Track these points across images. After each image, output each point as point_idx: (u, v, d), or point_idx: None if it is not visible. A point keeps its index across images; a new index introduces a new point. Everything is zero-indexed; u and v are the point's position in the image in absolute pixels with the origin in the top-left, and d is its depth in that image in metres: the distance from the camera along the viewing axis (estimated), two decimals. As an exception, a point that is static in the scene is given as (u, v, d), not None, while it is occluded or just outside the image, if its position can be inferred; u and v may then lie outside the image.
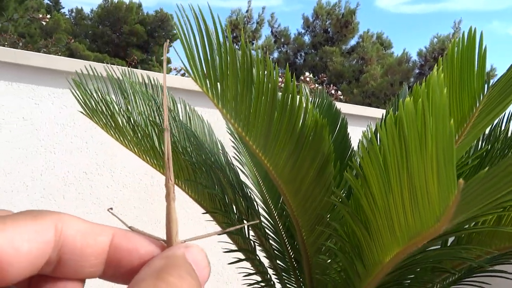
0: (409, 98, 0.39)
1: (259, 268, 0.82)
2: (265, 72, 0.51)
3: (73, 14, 16.30)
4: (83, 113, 0.69)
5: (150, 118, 0.70)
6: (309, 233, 0.68)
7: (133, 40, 15.54)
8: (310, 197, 0.63)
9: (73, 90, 0.67)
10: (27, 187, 1.52)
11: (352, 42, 13.35)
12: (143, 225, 1.74)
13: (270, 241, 0.87)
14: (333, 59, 12.35)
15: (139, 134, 0.69)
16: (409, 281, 0.67)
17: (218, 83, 0.52)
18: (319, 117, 0.55)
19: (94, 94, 0.67)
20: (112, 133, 0.71)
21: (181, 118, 0.86)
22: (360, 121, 2.28)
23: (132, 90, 0.72)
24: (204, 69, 0.51)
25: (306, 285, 0.78)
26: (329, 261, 0.68)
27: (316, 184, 0.61)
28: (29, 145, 1.50)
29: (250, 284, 0.78)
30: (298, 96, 0.53)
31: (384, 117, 0.80)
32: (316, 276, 0.69)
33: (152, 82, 0.83)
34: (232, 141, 1.08)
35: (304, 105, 0.53)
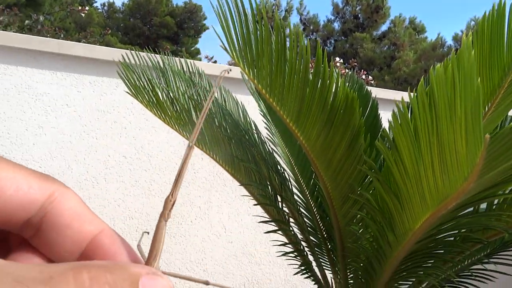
0: (440, 65, 0.41)
1: (292, 239, 0.85)
2: (298, 48, 0.54)
3: (105, 7, 16.65)
4: (129, 93, 0.75)
5: (188, 94, 0.74)
6: (340, 205, 0.71)
7: (163, 32, 15.75)
8: (341, 169, 0.65)
9: (121, 72, 0.73)
10: (71, 170, 1.62)
11: (384, 27, 13.02)
12: (179, 207, 1.82)
13: (303, 216, 0.91)
14: (364, 45, 12.10)
15: (177, 108, 0.74)
16: (440, 251, 0.68)
17: (254, 61, 0.56)
18: (349, 91, 0.58)
19: (140, 73, 0.72)
20: (155, 110, 0.77)
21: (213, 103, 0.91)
22: (391, 106, 2.26)
23: (171, 72, 0.77)
24: (242, 48, 0.55)
25: (338, 257, 0.81)
26: (360, 231, 0.71)
27: (347, 157, 0.63)
28: (73, 130, 1.59)
29: (285, 253, 0.82)
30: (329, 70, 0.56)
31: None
32: (348, 245, 0.72)
33: (190, 67, 0.88)
34: (265, 123, 1.12)
35: (335, 79, 0.56)
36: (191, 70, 0.87)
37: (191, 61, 1.02)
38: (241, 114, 0.95)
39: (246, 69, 0.56)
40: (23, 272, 0.15)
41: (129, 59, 0.77)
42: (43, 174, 0.20)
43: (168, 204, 0.21)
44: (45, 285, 0.15)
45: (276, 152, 1.00)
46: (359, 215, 0.69)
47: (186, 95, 0.74)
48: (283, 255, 0.84)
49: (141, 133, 1.70)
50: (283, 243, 0.86)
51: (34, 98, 1.51)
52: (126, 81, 0.74)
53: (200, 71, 0.88)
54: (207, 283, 0.23)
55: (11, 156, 1.52)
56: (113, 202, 1.71)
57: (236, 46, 0.56)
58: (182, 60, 0.90)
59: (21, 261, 0.20)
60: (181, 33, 16.52)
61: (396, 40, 12.29)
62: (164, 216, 0.22)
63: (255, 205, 0.88)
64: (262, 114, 1.12)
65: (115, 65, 1.62)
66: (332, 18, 13.63)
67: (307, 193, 1.01)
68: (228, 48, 0.56)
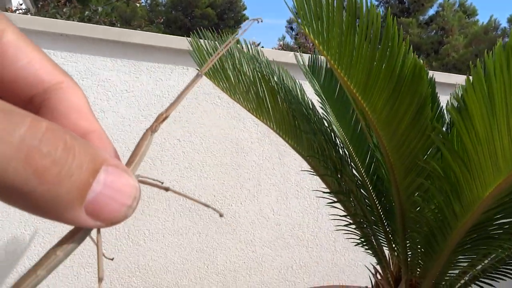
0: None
1: (351, 211, 0.87)
2: (368, 16, 0.56)
3: (148, 1, 17.08)
4: (198, 70, 0.79)
5: (256, 69, 0.77)
6: (403, 176, 0.72)
7: (204, 23, 15.96)
8: (406, 139, 0.66)
9: (193, 52, 0.77)
10: (130, 152, 1.71)
11: (431, 11, 12.47)
12: (229, 189, 1.87)
13: (361, 192, 0.92)
14: (410, 31, 11.67)
15: (245, 85, 0.77)
16: (509, 220, 0.67)
17: (325, 31, 0.58)
18: (417, 59, 0.58)
19: (209, 52, 0.76)
20: (224, 86, 0.80)
21: (275, 79, 0.94)
22: (443, 89, 2.19)
23: (237, 51, 0.80)
24: (312, 17, 0.57)
25: (397, 232, 0.82)
26: (424, 202, 0.71)
27: (413, 126, 0.64)
28: (131, 114, 1.68)
29: (347, 224, 0.84)
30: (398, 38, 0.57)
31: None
32: (411, 216, 0.73)
33: (250, 48, 0.91)
34: (320, 102, 1.13)
35: (403, 46, 0.57)
36: (251, 51, 0.90)
37: (250, 40, 1.05)
38: (299, 93, 0.97)
39: (316, 39, 0.58)
40: None
41: (197, 40, 0.81)
42: (59, 67, 0.20)
43: (160, 118, 0.22)
44: (1, 111, 0.14)
45: (332, 131, 1.02)
46: (422, 186, 0.69)
47: (251, 71, 0.77)
48: (346, 225, 0.86)
49: (194, 117, 1.76)
50: (346, 215, 0.88)
51: (96, 83, 1.61)
52: (197, 60, 0.78)
53: (259, 52, 0.91)
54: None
55: (77, 138, 1.63)
56: (168, 183, 1.79)
57: (307, 15, 0.58)
58: (242, 41, 0.93)
59: None
60: (221, 24, 16.67)
61: (445, 24, 11.75)
62: (152, 128, 0.22)
63: (320, 175, 0.89)
64: (317, 94, 1.14)
65: (171, 51, 1.68)
66: (376, 3, 13.22)
67: (362, 171, 1.02)
68: (298, 19, 0.58)
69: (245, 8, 15.13)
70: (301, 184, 1.98)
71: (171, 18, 15.40)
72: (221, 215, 0.24)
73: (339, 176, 0.83)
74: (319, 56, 1.24)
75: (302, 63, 1.23)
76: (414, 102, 0.62)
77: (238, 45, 0.87)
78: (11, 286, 0.19)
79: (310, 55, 1.27)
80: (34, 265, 0.18)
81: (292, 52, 1.31)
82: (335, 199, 0.87)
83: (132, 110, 1.68)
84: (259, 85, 0.77)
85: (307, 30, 0.57)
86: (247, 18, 15.74)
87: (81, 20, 3.14)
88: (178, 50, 1.69)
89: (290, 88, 0.92)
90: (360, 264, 2.13)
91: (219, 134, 1.81)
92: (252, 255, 1.98)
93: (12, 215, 1.63)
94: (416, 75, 0.59)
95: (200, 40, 0.80)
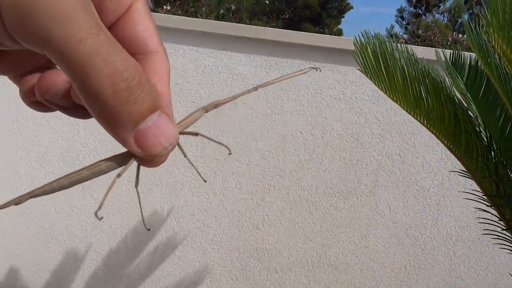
0: None
1: (504, 215, 0.84)
2: None
3: (253, -7, 17.48)
4: (361, 71, 0.83)
5: (410, 72, 0.79)
6: None
7: (306, 14, 15.88)
8: None
9: (357, 52, 0.81)
10: (256, 143, 1.83)
11: None
12: (346, 183, 1.89)
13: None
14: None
15: (407, 85, 0.79)
16: None
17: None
18: None
19: (374, 52, 0.79)
20: (384, 87, 0.83)
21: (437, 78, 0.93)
22: None
23: (397, 52, 0.82)
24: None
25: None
26: None
27: None
28: (259, 107, 1.79)
29: (504, 229, 0.82)
30: None
31: None
32: None
33: (404, 48, 0.92)
34: (465, 101, 1.10)
35: None
36: (407, 51, 0.91)
37: (406, 45, 1.06)
38: (449, 91, 0.95)
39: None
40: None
41: (360, 40, 0.85)
42: (160, 39, 0.23)
43: (214, 102, 0.25)
44: (110, 41, 0.18)
45: (484, 131, 0.98)
46: None
47: (414, 71, 0.78)
48: (506, 230, 0.83)
49: (316, 110, 1.82)
50: (497, 219, 0.86)
51: (230, 77, 1.75)
52: (360, 61, 0.82)
53: (411, 52, 0.91)
54: (256, 89, 0.27)
55: (211, 126, 1.80)
56: (288, 173, 1.88)
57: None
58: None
59: None
60: (324, 14, 16.42)
61: None
62: (205, 108, 0.25)
63: (478, 178, 0.88)
64: (462, 92, 1.10)
65: (299, 47, 1.75)
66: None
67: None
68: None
69: (350, -3, 14.68)
70: (421, 183, 1.92)
71: (275, 10, 15.62)
72: (229, 153, 0.28)
73: (496, 179, 0.81)
74: (462, 53, 1.20)
75: (443, 59, 1.20)
76: None
77: (393, 43, 0.88)
78: (62, 176, 0.24)
79: (452, 51, 1.23)
80: (81, 168, 0.24)
81: (433, 48, 1.28)
82: (488, 203, 0.85)
83: (261, 103, 1.79)
84: (420, 84, 0.78)
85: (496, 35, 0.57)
86: (352, 8, 15.25)
87: (216, 18, 3.41)
88: (307, 46, 1.75)
89: (445, 86, 0.91)
90: (481, 273, 2.00)
91: (340, 129, 1.84)
92: (365, 250, 1.98)
93: (154, 192, 1.86)
94: None
95: (362, 40, 0.84)
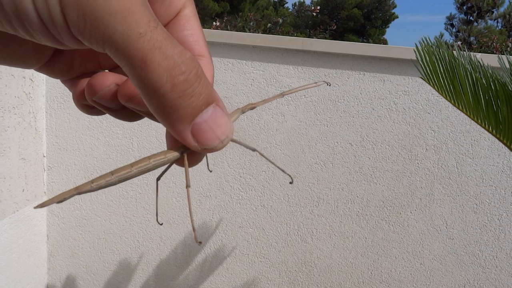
0: None
1: None
2: None
3: (296, 7, 17.66)
4: (423, 79, 0.80)
5: (491, 77, 0.75)
6: None
7: (350, 25, 15.73)
8: None
9: (419, 59, 0.79)
10: (305, 154, 1.81)
11: None
12: (399, 196, 1.82)
13: None
14: None
15: (470, 93, 0.75)
16: None
17: None
18: None
19: (437, 59, 0.77)
20: (446, 94, 0.80)
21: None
22: None
23: (462, 59, 0.79)
24: None
25: None
26: None
27: None
28: (307, 118, 1.78)
29: None
30: None
31: None
32: None
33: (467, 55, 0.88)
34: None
35: None
36: (470, 58, 0.87)
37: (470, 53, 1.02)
38: None
39: None
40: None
41: (422, 46, 0.83)
42: (206, 43, 0.25)
43: (249, 105, 0.26)
44: (169, 37, 0.18)
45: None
46: None
47: (481, 79, 0.74)
48: None
49: (367, 121, 1.77)
50: None
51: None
52: (422, 69, 0.79)
53: (474, 58, 0.87)
54: (282, 95, 0.28)
55: (259, 139, 1.80)
56: (337, 185, 1.84)
57: None
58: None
59: None
60: (368, 25, 16.20)
61: None
62: (242, 109, 0.26)
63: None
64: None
65: (347, 58, 1.72)
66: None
67: None
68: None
69: (395, 6, 14.39)
70: (481, 197, 1.81)
71: (317, 22, 15.62)
72: (291, 182, 0.35)
73: None
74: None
75: (507, 66, 1.13)
76: None
77: (460, 51, 0.84)
78: (113, 170, 0.23)
79: (516, 57, 1.16)
80: (129, 164, 0.23)
81: (495, 55, 1.21)
82: None
83: (309, 114, 1.77)
84: (489, 91, 0.74)
85: None
86: (397, 17, 14.95)
87: (264, 31, 3.48)
88: (354, 56, 1.72)
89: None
90: (552, 295, 1.84)
91: (392, 140, 1.78)
92: (420, 267, 1.89)
93: (203, 204, 1.88)
94: None
95: (425, 49, 0.81)
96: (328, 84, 0.31)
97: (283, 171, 0.31)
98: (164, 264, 1.98)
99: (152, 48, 0.18)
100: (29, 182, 1.81)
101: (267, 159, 0.29)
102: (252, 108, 0.27)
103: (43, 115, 1.88)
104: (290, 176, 0.30)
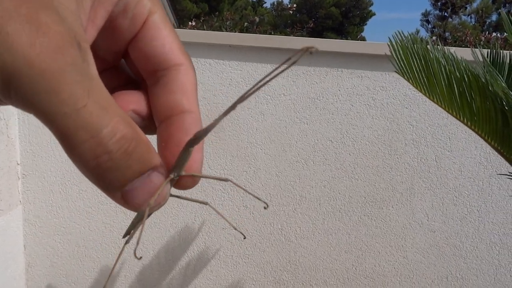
0: None
1: None
2: None
3: (274, 6, 17.68)
4: (398, 73, 0.80)
5: (464, 69, 0.75)
6: None
7: (328, 23, 15.85)
8: None
9: (393, 54, 0.79)
10: (286, 153, 1.80)
11: None
12: (380, 191, 1.83)
13: None
14: None
15: (443, 85, 0.75)
16: None
17: None
18: None
19: (410, 53, 0.76)
20: (421, 87, 0.80)
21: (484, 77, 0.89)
22: None
23: (436, 52, 0.79)
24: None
25: None
26: None
27: None
28: (287, 116, 1.77)
29: None
30: None
31: None
32: None
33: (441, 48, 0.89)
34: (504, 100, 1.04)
35: None
36: (445, 51, 0.87)
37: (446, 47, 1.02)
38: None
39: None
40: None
41: (396, 41, 0.82)
42: (184, 50, 0.23)
43: (199, 133, 0.21)
44: (101, 108, 0.18)
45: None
46: None
47: (458, 70, 0.74)
48: None
49: (346, 118, 1.78)
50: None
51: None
52: (397, 64, 0.79)
53: (448, 52, 0.88)
54: (266, 207, 0.26)
55: (239, 138, 1.78)
56: (319, 183, 1.84)
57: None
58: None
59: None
60: (346, 23, 16.37)
61: None
62: (190, 142, 0.21)
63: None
64: (504, 91, 1.05)
65: (325, 55, 1.72)
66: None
67: None
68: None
69: (372, 4, 14.58)
70: (460, 189, 1.84)
71: (296, 21, 15.69)
72: (265, 207, 0.31)
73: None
74: (501, 51, 1.15)
75: (480, 59, 1.14)
76: None
77: (432, 43, 0.85)
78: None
79: (489, 50, 1.18)
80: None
81: (468, 48, 1.23)
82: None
83: (288, 112, 1.76)
84: (463, 84, 0.74)
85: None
86: (374, 14, 15.14)
87: (241, 30, 3.46)
88: (332, 53, 1.72)
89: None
90: (531, 283, 1.88)
91: (372, 136, 1.79)
92: (403, 261, 1.90)
93: (185, 207, 1.86)
94: None
95: (398, 43, 0.81)
96: (313, 51, 0.25)
97: (258, 198, 0.30)
98: (147, 269, 1.94)
99: (77, 128, 0.17)
100: (2, 191, 1.75)
101: (240, 187, 0.27)
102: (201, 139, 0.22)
103: (15, 121, 1.82)
104: (265, 202, 0.29)
